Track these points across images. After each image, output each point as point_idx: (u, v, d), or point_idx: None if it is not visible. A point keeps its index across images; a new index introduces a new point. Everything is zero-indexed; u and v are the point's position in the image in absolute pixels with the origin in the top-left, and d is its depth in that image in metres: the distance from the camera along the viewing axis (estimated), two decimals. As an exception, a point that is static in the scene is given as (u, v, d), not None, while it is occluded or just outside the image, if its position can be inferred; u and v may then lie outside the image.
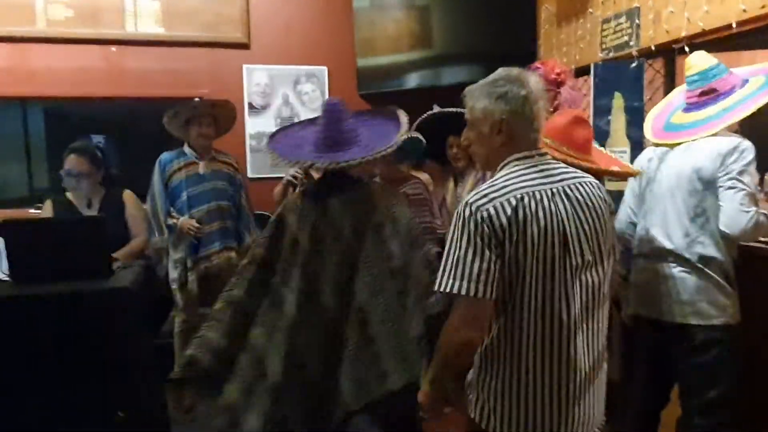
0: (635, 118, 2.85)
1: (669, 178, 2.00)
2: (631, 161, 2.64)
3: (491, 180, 1.37)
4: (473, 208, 1.30)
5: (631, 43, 2.78)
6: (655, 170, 2.08)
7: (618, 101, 2.88)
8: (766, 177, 2.44)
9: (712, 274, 1.88)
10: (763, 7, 2.09)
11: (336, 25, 4.28)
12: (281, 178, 3.53)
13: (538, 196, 1.32)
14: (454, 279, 1.28)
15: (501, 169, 1.39)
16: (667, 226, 1.97)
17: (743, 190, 1.80)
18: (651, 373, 2.06)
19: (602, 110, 2.90)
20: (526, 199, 1.30)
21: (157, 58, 4.04)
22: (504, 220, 1.28)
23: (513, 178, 1.35)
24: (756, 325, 1.97)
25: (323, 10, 4.28)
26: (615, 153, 2.78)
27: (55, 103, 4.42)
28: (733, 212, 1.80)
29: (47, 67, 3.88)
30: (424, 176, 3.11)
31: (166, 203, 3.14)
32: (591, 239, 1.36)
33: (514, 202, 1.29)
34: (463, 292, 1.27)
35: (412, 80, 4.17)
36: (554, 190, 1.35)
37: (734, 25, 2.19)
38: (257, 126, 4.25)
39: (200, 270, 3.22)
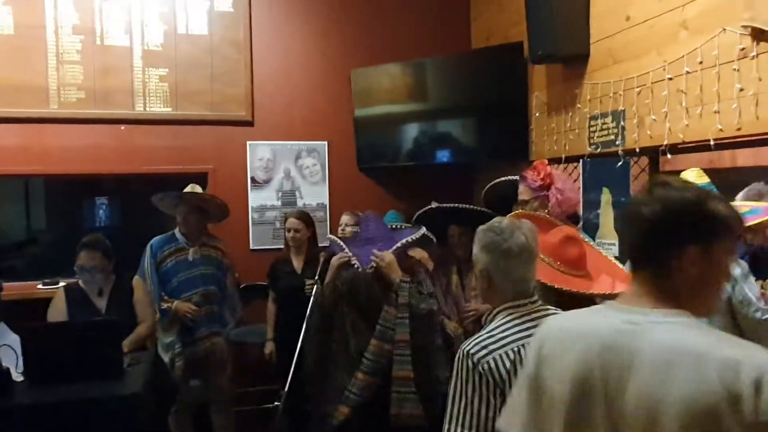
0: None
1: None
2: (620, 254, 2.77)
3: (489, 329, 1.49)
4: (475, 360, 1.41)
5: (617, 142, 2.95)
6: None
7: (606, 196, 3.03)
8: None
9: None
10: (738, 129, 2.25)
11: (337, 102, 4.47)
12: (281, 249, 3.70)
13: None
14: (463, 427, 1.39)
15: (495, 316, 1.51)
16: None
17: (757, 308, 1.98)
18: None
19: (591, 204, 3.05)
20: (522, 352, 1.41)
21: (165, 135, 4.20)
22: (503, 371, 1.40)
23: (508, 328, 1.46)
24: None
25: (324, 89, 4.47)
26: (605, 246, 2.92)
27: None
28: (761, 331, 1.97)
29: (60, 145, 4.03)
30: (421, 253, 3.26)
31: (158, 287, 3.25)
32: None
33: (512, 355, 1.41)
34: None
35: (408, 156, 4.33)
36: None
37: (712, 143, 2.35)
38: (259, 199, 4.39)
39: (186, 355, 3.32)
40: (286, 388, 2.56)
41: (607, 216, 3.03)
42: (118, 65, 4.07)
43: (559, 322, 1.17)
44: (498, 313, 1.51)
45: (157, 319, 3.23)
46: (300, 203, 4.40)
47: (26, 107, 3.93)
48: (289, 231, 3.49)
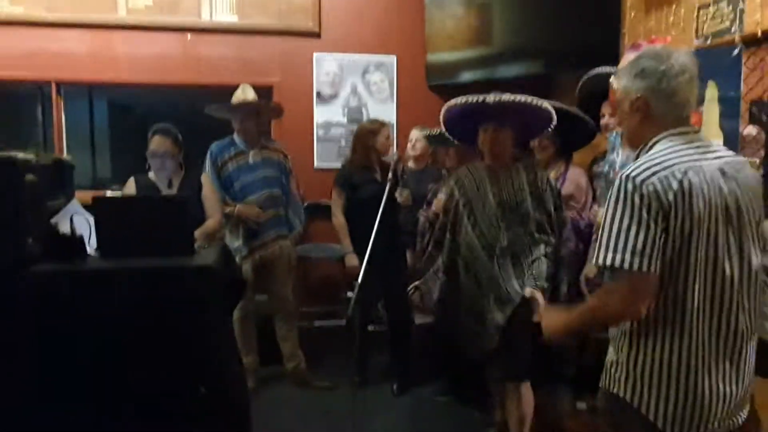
0: (730, 108, 2.67)
1: None
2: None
3: (650, 154, 1.35)
4: (637, 182, 1.28)
5: (733, 30, 2.61)
6: None
7: (712, 91, 2.71)
8: None
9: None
10: None
11: (407, 15, 4.23)
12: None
13: (701, 172, 1.30)
14: (615, 252, 1.27)
15: (655, 144, 1.37)
16: None
17: None
18: None
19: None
20: (690, 173, 1.28)
21: (230, 45, 4.09)
22: (671, 194, 1.27)
23: (672, 152, 1.33)
24: None
25: (394, -1, 4.23)
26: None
27: (119, 94, 4.54)
28: None
29: (128, 53, 3.98)
30: None
31: (220, 192, 3.16)
32: (749, 216, 1.35)
33: (679, 176, 1.28)
34: (626, 266, 1.26)
35: (482, 72, 4.07)
36: (713, 166, 1.33)
37: None
38: (325, 115, 4.24)
39: (255, 259, 3.24)
40: (359, 280, 2.44)
41: (711, 113, 2.71)
42: (185, -29, 3.95)
43: None
44: (659, 141, 1.36)
45: (223, 223, 3.16)
46: (366, 121, 4.22)
47: (94, 12, 3.88)
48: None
